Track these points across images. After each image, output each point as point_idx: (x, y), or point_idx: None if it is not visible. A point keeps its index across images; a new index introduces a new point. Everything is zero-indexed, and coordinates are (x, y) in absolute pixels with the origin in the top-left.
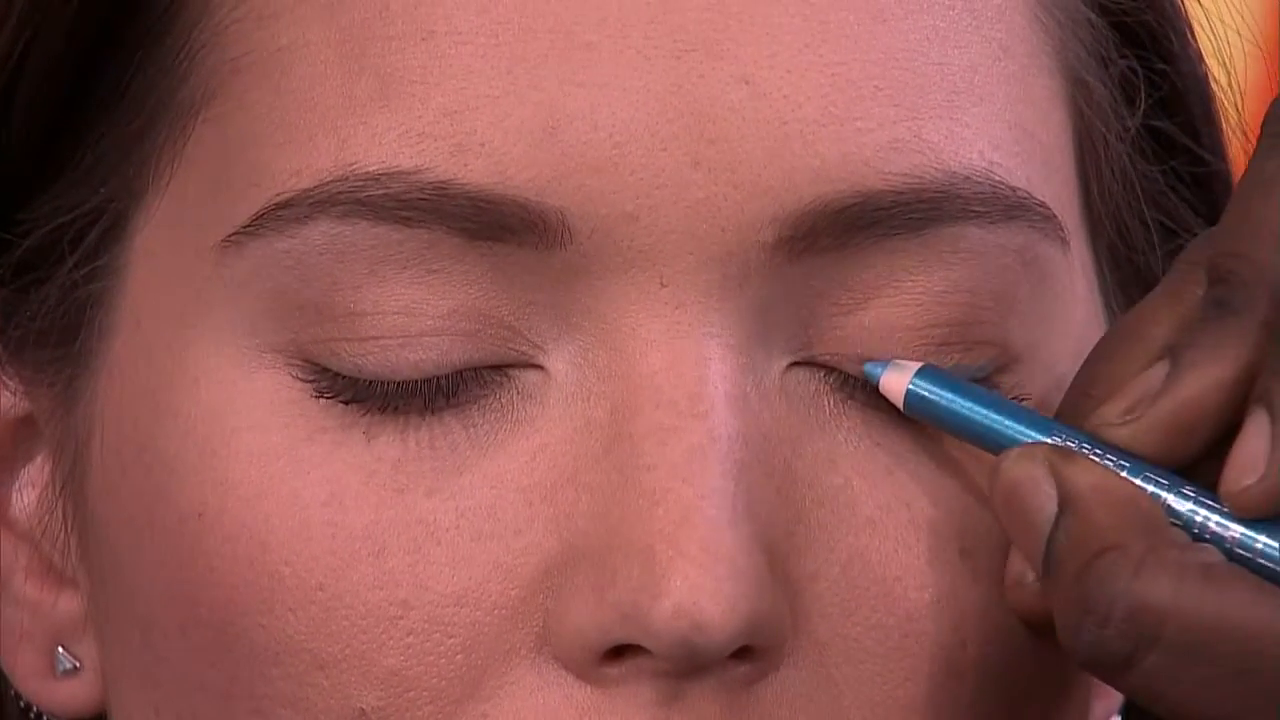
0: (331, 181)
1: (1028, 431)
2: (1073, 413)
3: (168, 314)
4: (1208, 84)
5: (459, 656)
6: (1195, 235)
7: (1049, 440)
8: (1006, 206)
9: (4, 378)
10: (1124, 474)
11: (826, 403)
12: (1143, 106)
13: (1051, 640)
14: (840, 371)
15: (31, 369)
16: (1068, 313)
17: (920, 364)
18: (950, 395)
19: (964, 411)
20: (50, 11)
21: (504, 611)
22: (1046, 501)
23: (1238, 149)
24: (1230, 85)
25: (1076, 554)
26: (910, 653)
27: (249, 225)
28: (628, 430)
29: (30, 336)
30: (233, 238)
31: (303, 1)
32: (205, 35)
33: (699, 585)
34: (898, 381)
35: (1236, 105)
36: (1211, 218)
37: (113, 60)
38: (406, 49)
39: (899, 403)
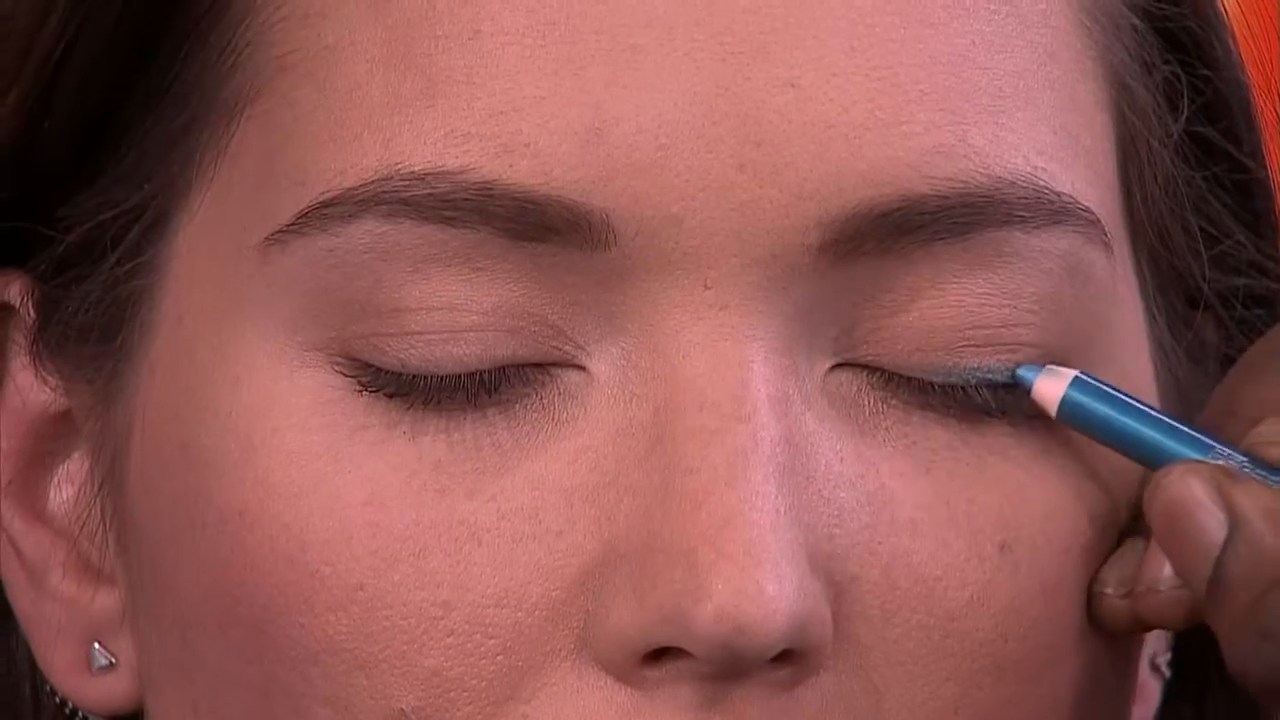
0: (376, 181)
1: (1183, 447)
2: (1217, 432)
3: (210, 311)
4: (1249, 90)
5: (500, 657)
6: (1236, 241)
7: (1207, 458)
8: (1051, 211)
9: (44, 374)
10: None
11: (867, 404)
12: (1185, 112)
13: (1113, 637)
14: (882, 371)
15: (71, 365)
16: (1111, 316)
17: (1075, 372)
18: (1107, 406)
19: (1120, 423)
20: (94, 8)
21: (545, 613)
22: (1214, 523)
23: (1277, 155)
24: (1269, 91)
25: (1251, 580)
26: (952, 652)
27: (293, 223)
28: (670, 433)
29: (71, 333)
30: (276, 236)
31: (349, 0)
32: (250, 33)
33: (741, 588)
34: (1053, 388)
35: (1276, 110)
36: (1252, 224)
37: (157, 57)
38: (453, 49)
39: (1052, 409)
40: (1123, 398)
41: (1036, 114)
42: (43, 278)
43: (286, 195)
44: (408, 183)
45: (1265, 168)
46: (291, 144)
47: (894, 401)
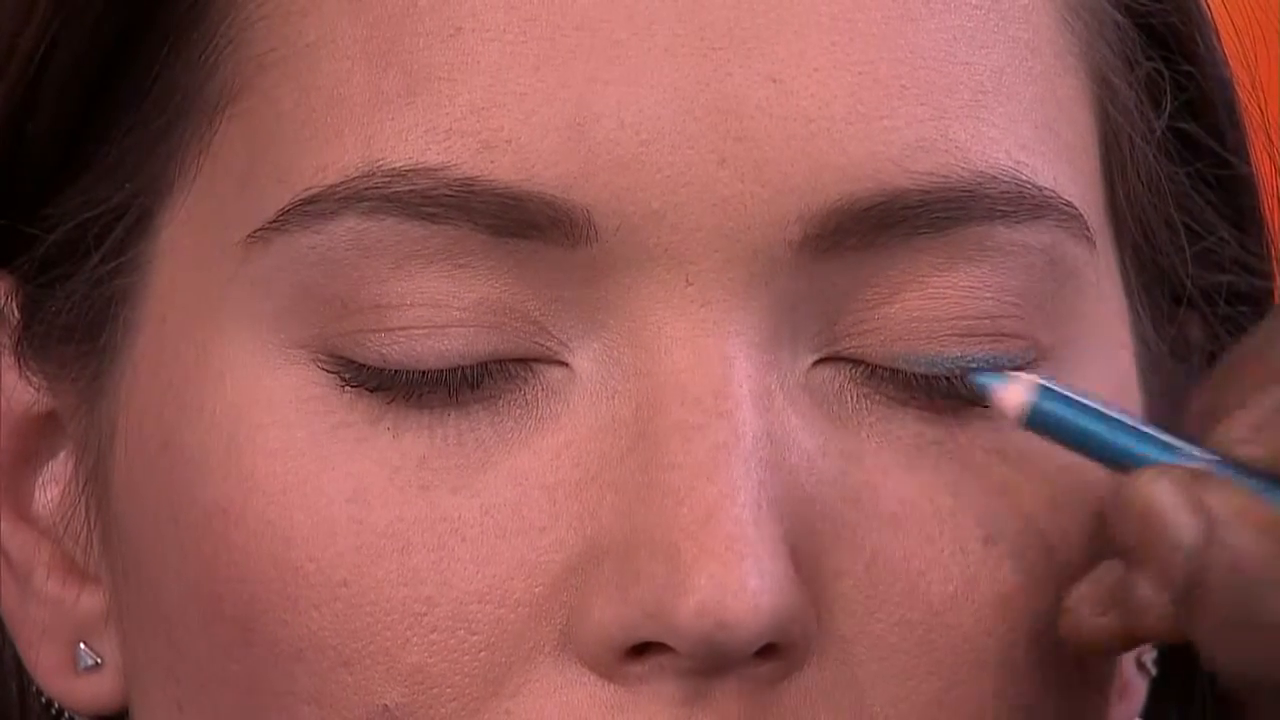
0: (358, 178)
1: (1150, 450)
2: (1197, 431)
3: (193, 309)
4: (1233, 87)
5: (483, 654)
6: (1220, 238)
7: (1176, 460)
8: (1033, 206)
9: (27, 374)
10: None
11: (850, 399)
12: (1168, 108)
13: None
14: (864, 364)
15: (55, 365)
16: (1094, 311)
17: (1038, 379)
18: (1070, 412)
19: (1085, 428)
20: (76, 8)
21: (528, 609)
22: (1188, 526)
23: (1261, 151)
24: (1254, 87)
25: (1232, 581)
26: (935, 647)
27: (275, 221)
28: (652, 428)
29: (54, 333)
30: (258, 233)
31: None
32: (231, 31)
33: (723, 583)
34: (1015, 395)
35: (1260, 107)
36: (1236, 220)
37: (138, 56)
38: (434, 45)
39: (1015, 417)
40: (1086, 402)
41: (1018, 109)
42: (26, 278)
43: (268, 193)
44: (389, 179)
45: (1249, 164)
46: (273, 142)
47: (877, 396)
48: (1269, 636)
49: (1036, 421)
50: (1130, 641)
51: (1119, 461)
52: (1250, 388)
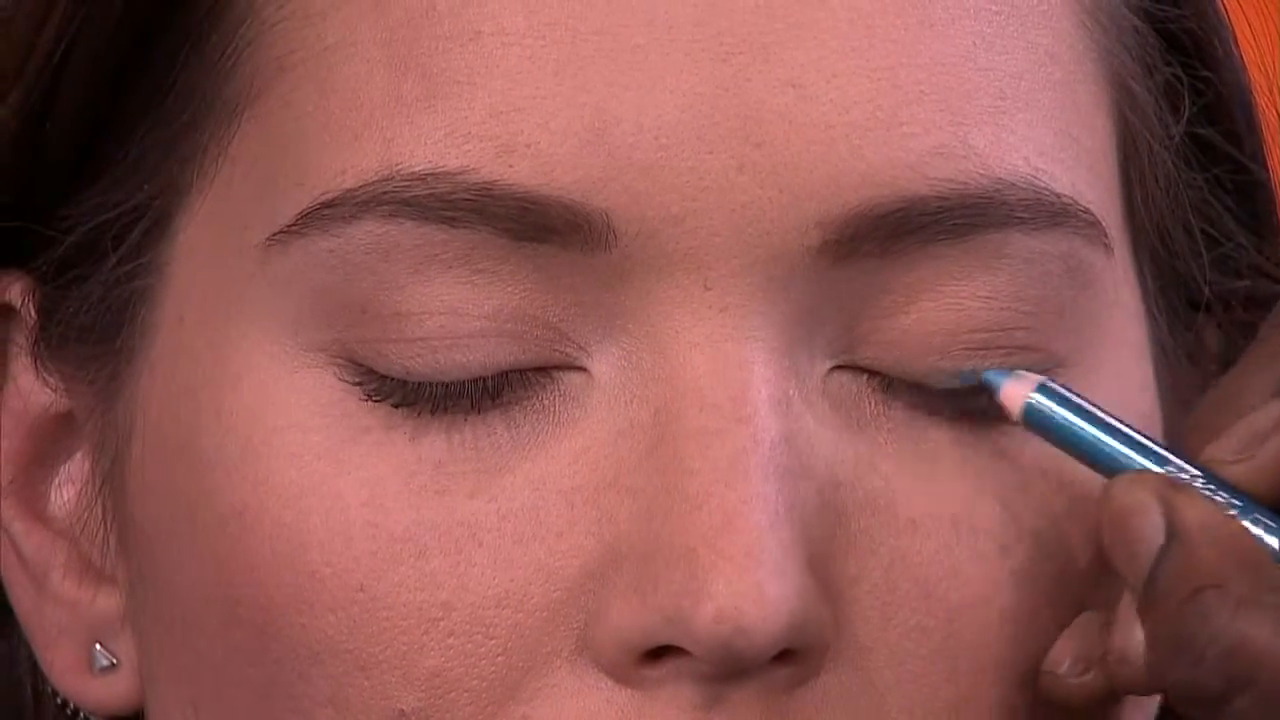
0: (377, 181)
1: (1141, 459)
2: (1191, 449)
3: (210, 312)
4: (1250, 92)
5: (500, 658)
6: (1237, 244)
7: (1162, 470)
8: (1051, 213)
9: (45, 375)
10: (1233, 512)
11: (867, 405)
12: (1186, 114)
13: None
14: (882, 374)
15: (72, 366)
16: (1111, 318)
17: (1041, 378)
18: (1069, 414)
19: (1081, 432)
20: (94, 9)
21: (545, 613)
22: (1153, 531)
23: (1278, 157)
24: (1271, 93)
25: (1177, 587)
26: (951, 653)
27: (293, 224)
28: (670, 433)
29: (71, 334)
30: (277, 236)
31: (349, 0)
32: (251, 33)
33: (741, 589)
34: (1017, 392)
35: (1278, 111)
36: (1254, 226)
37: (157, 58)
38: (453, 49)
39: (1015, 414)
40: (1086, 406)
41: (1037, 115)
42: (44, 279)
43: (287, 196)
44: (408, 183)
45: (1266, 169)
46: (292, 144)
47: (895, 404)
48: (1204, 649)
49: (1033, 419)
50: (1114, 696)
51: (1111, 468)
52: (1244, 407)
